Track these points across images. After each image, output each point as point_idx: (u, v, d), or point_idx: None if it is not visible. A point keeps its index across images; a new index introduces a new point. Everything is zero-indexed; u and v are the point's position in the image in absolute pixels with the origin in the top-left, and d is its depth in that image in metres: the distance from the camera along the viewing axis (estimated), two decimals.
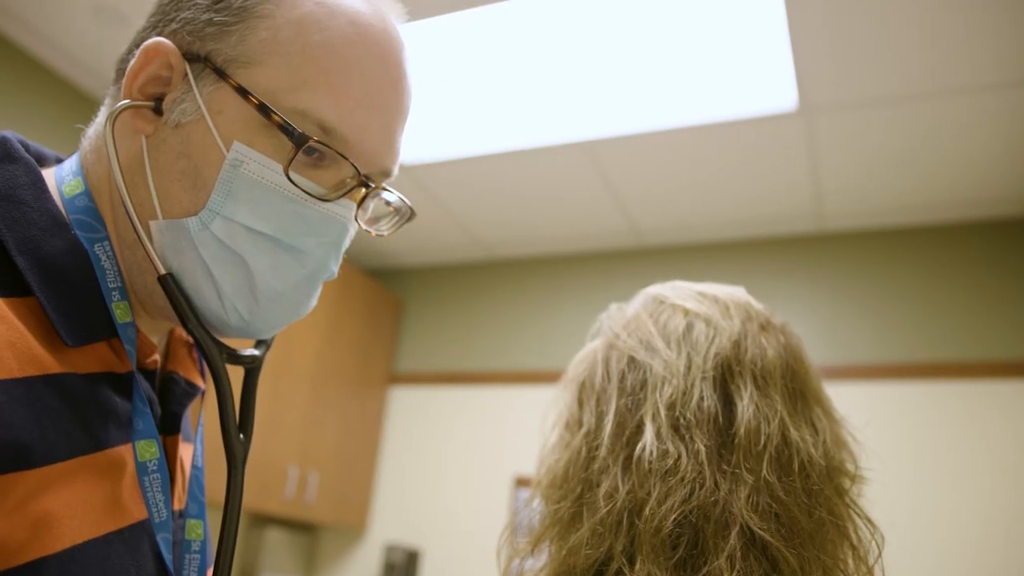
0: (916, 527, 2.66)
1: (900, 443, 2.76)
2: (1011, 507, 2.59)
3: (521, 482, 3.22)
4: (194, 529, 0.67)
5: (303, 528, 3.55)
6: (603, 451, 0.69)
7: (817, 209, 3.03)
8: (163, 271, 0.61)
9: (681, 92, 2.47)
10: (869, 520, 0.69)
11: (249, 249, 0.61)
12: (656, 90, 2.48)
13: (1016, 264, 2.85)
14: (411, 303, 3.85)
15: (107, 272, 0.61)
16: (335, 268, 0.66)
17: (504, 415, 3.37)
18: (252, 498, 2.82)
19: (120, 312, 0.61)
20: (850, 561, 0.67)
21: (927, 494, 2.69)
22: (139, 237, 0.60)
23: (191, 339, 0.74)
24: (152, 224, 0.61)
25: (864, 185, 2.84)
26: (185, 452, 0.71)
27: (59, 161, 0.68)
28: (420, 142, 2.87)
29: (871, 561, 0.68)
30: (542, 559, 0.73)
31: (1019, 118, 2.40)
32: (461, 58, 2.42)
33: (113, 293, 0.61)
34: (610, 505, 0.66)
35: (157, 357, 0.65)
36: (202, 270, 0.61)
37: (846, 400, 0.82)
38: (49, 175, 0.65)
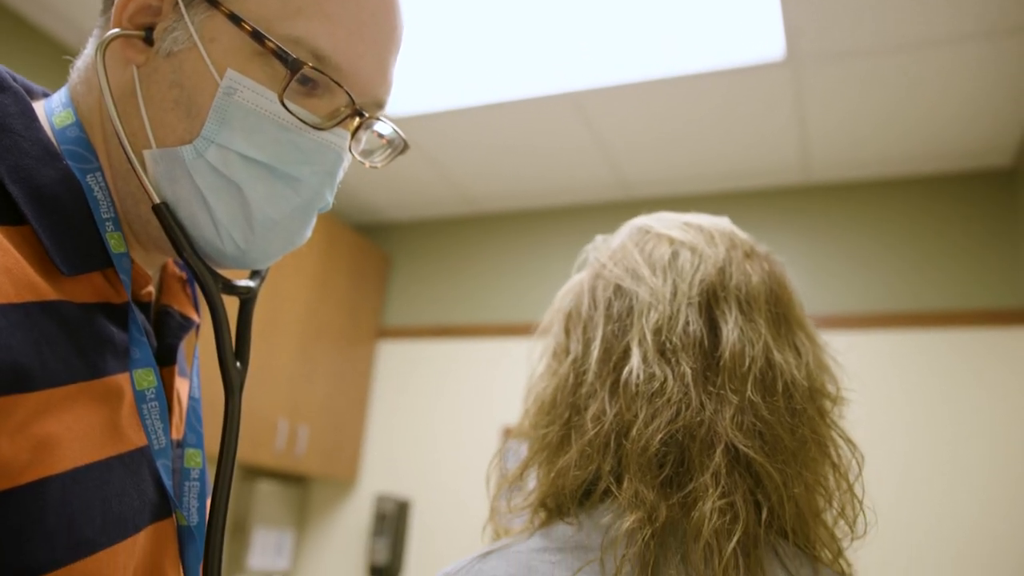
0: (904, 474, 2.71)
1: (888, 391, 2.80)
2: (999, 453, 2.65)
3: (509, 432, 3.26)
4: (192, 458, 0.68)
5: (294, 480, 3.59)
6: (590, 376, 0.70)
7: (804, 161, 3.03)
8: (157, 200, 0.61)
9: (669, 42, 2.46)
10: (849, 440, 0.71)
11: (244, 177, 0.61)
12: (643, 40, 2.46)
13: (1000, 214, 2.88)
14: (398, 258, 3.85)
15: (100, 203, 0.61)
16: (330, 198, 0.67)
17: (492, 367, 3.40)
18: (243, 451, 2.84)
19: (114, 242, 0.61)
20: (831, 478, 0.69)
21: (915, 441, 2.74)
22: (133, 167, 0.60)
23: (184, 274, 0.75)
24: (146, 153, 0.61)
25: (850, 136, 2.84)
26: (181, 386, 0.71)
27: (47, 96, 0.68)
28: (405, 94, 2.85)
29: (851, 478, 0.70)
30: (531, 484, 0.74)
31: (1003, 68, 2.40)
32: (447, 8, 2.39)
33: (107, 223, 0.61)
34: (598, 427, 0.67)
35: (151, 289, 0.66)
36: (197, 199, 0.61)
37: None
38: (39, 107, 0.65)
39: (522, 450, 0.76)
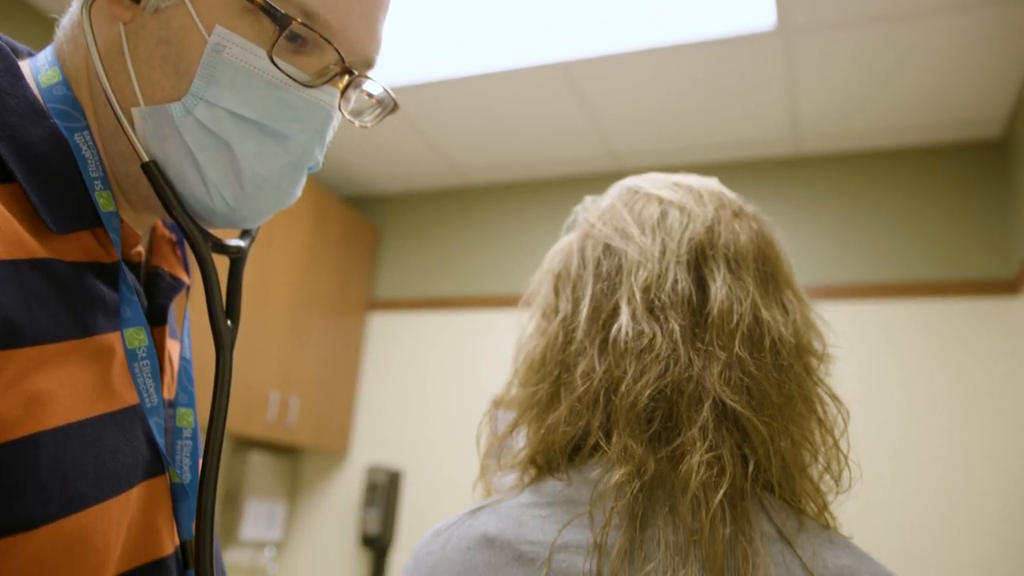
0: (894, 443, 2.75)
1: (877, 360, 2.83)
2: (989, 421, 2.68)
3: (498, 403, 3.28)
4: (185, 417, 0.68)
5: (286, 451, 3.60)
6: (580, 334, 0.71)
7: (794, 131, 3.03)
8: (146, 158, 0.61)
9: (659, 11, 2.44)
10: (835, 396, 0.72)
11: (234, 134, 0.61)
12: (633, 9, 2.44)
13: (989, 184, 2.89)
14: (388, 230, 3.85)
15: (88, 161, 0.61)
16: (320, 156, 0.67)
17: (482, 338, 3.41)
18: (234, 422, 2.85)
19: (103, 201, 0.61)
20: (817, 433, 0.70)
21: (905, 410, 2.77)
22: (121, 125, 0.60)
23: (174, 236, 0.74)
24: (134, 111, 0.61)
25: (841, 107, 2.84)
26: (172, 348, 0.71)
27: (32, 56, 0.67)
28: (394, 64, 2.83)
29: (837, 434, 0.71)
30: (521, 441, 0.75)
31: (993, 39, 2.40)
32: None
33: (95, 182, 0.61)
34: (587, 384, 0.68)
35: (141, 249, 0.66)
36: (186, 157, 0.61)
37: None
38: (24, 66, 0.64)
39: (511, 416, 0.77)
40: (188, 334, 0.74)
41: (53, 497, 0.51)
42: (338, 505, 3.50)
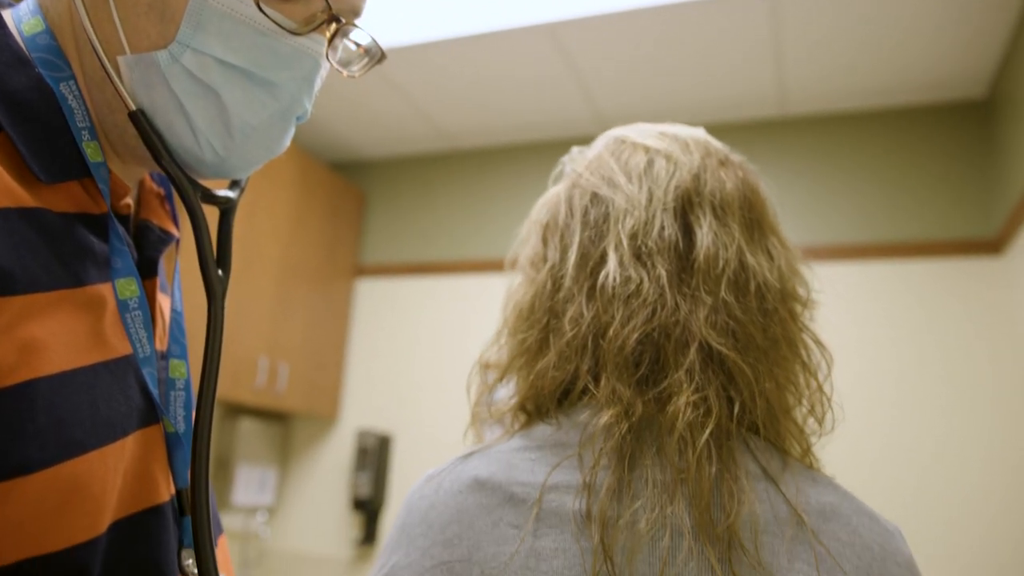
0: (879, 398, 2.78)
1: (863, 320, 2.86)
2: (973, 378, 2.72)
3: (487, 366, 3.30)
4: (177, 368, 0.68)
5: (276, 417, 3.62)
6: (568, 281, 0.72)
7: (780, 93, 3.03)
8: (133, 107, 0.60)
9: None
10: (819, 341, 0.73)
11: (221, 83, 0.60)
12: None
13: (974, 144, 2.91)
14: (374, 196, 3.83)
15: (75, 111, 0.60)
16: (308, 106, 0.66)
17: (470, 303, 3.42)
18: (224, 388, 2.86)
19: (91, 151, 0.60)
20: (801, 377, 0.71)
21: (890, 368, 2.81)
22: (107, 73, 0.59)
23: (162, 190, 0.74)
24: (120, 60, 0.60)
25: (827, 67, 2.84)
26: (163, 302, 0.72)
27: (12, 6, 0.66)
28: (378, 27, 2.79)
29: (821, 378, 0.72)
30: (510, 389, 0.76)
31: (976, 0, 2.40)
32: None
33: (83, 132, 0.60)
34: (575, 329, 0.69)
35: (130, 201, 0.65)
36: (174, 105, 0.60)
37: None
38: (6, 15, 0.63)
39: (502, 354, 0.78)
40: (179, 288, 0.75)
41: (50, 443, 0.51)
42: (329, 469, 3.53)
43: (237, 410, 3.39)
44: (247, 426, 3.39)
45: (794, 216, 3.03)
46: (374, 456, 3.31)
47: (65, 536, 0.52)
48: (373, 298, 3.67)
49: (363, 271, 3.72)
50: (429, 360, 3.45)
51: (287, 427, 3.66)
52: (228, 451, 3.32)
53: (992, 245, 2.78)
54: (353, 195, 3.72)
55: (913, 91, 2.95)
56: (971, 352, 2.73)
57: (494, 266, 3.40)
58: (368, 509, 3.30)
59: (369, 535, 3.32)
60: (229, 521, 3.31)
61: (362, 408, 3.55)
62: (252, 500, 3.39)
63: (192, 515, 0.61)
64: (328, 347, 3.51)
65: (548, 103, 3.24)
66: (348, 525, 3.43)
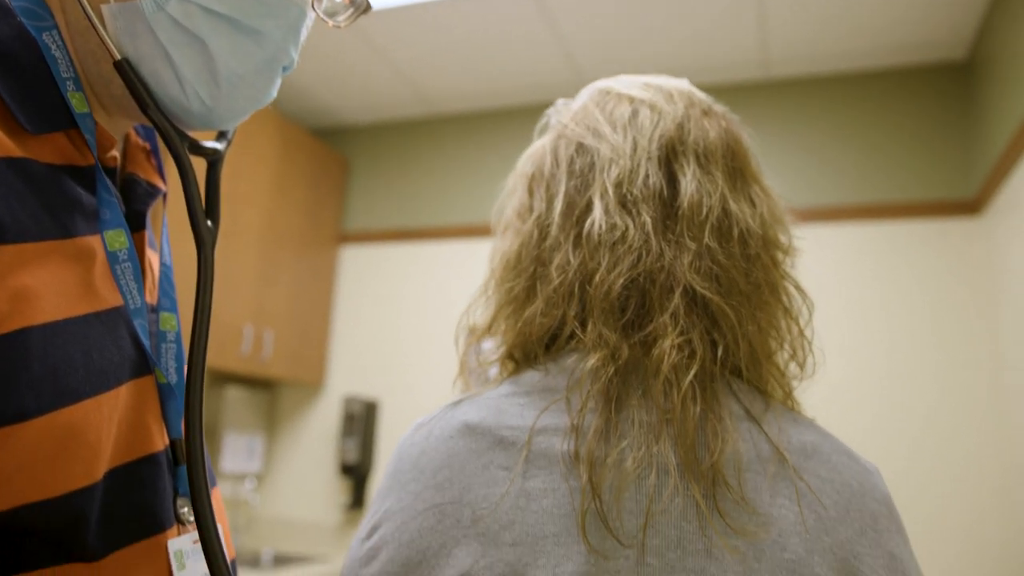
0: (857, 360, 2.82)
1: (842, 282, 2.89)
2: (951, 338, 2.77)
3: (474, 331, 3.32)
4: (168, 321, 0.68)
5: (262, 385, 3.62)
6: (554, 230, 0.72)
7: (763, 55, 3.03)
8: (118, 56, 0.60)
9: None
10: (800, 287, 0.75)
11: (207, 31, 0.60)
12: None
13: (954, 106, 2.93)
14: (357, 162, 3.81)
15: (59, 61, 0.60)
16: (295, 55, 0.66)
17: (455, 268, 3.42)
18: (210, 356, 2.86)
19: (76, 102, 0.60)
20: (783, 323, 0.73)
21: (869, 330, 2.84)
22: (91, 22, 0.59)
23: (148, 145, 0.74)
24: (104, 8, 0.59)
25: (809, 29, 2.84)
26: (152, 258, 0.72)
27: None
28: None
29: (802, 323, 0.74)
30: (497, 340, 0.77)
31: None
32: None
33: (67, 83, 0.60)
34: (562, 276, 0.70)
35: (116, 154, 0.65)
36: (160, 54, 0.60)
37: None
38: None
39: (490, 303, 0.79)
40: (167, 241, 0.74)
41: (45, 390, 0.51)
42: (316, 436, 3.55)
43: (223, 378, 3.40)
44: (233, 394, 3.40)
45: (775, 179, 3.03)
46: (361, 422, 3.33)
47: (62, 483, 0.52)
48: (357, 265, 3.67)
49: (347, 238, 3.71)
50: (414, 326, 3.46)
51: (273, 394, 3.67)
52: (215, 419, 3.33)
53: (971, 206, 2.82)
54: (336, 161, 3.69)
55: (894, 53, 2.96)
56: (950, 312, 2.77)
57: (479, 231, 3.40)
58: (356, 474, 3.33)
59: (357, 500, 3.35)
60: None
61: (348, 374, 3.56)
62: (240, 467, 3.41)
63: (187, 462, 0.62)
64: (313, 314, 3.51)
65: (531, 67, 3.22)
66: (336, 490, 3.45)
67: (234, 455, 3.37)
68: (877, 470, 0.71)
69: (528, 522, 0.62)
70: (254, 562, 3.13)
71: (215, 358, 2.92)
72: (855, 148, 3.01)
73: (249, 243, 3.14)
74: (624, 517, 0.61)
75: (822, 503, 0.63)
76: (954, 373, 2.72)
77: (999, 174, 2.52)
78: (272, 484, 3.58)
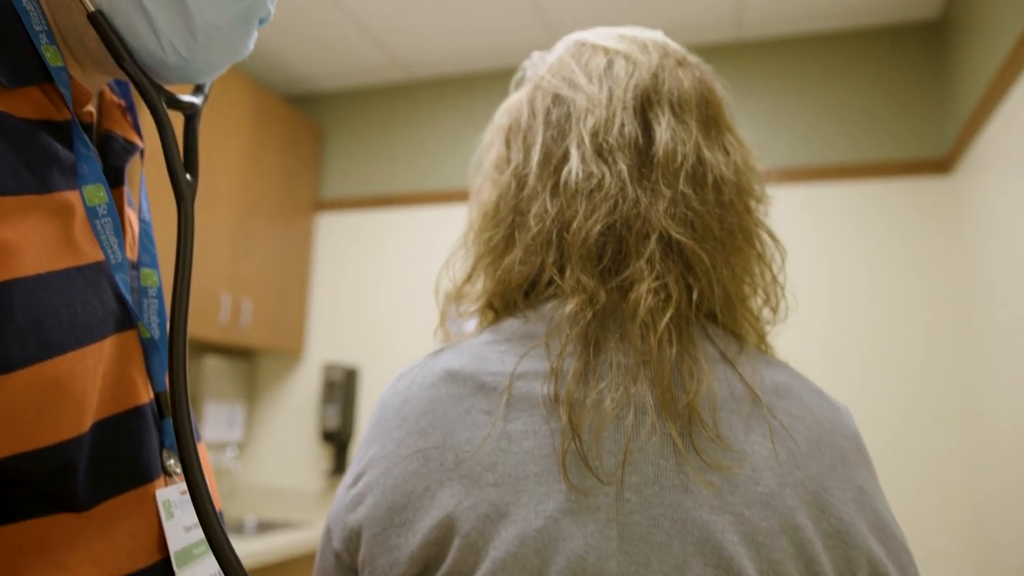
0: (831, 319, 2.87)
1: (814, 242, 2.93)
2: (922, 296, 2.81)
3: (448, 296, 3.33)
4: (149, 277, 0.68)
5: (241, 354, 3.62)
6: (531, 179, 0.73)
7: (738, 14, 3.02)
8: (92, 8, 0.59)
9: None
10: (773, 235, 0.76)
11: None
12: None
13: (926, 64, 2.95)
14: (332, 129, 3.78)
15: (31, 14, 0.59)
16: (271, 7, 0.66)
17: (433, 235, 3.42)
18: (187, 325, 2.84)
19: (51, 55, 0.59)
20: (756, 269, 0.75)
21: (842, 289, 2.88)
22: None
23: (123, 102, 0.73)
24: None
25: None
26: (131, 215, 0.71)
27: None
28: None
29: (775, 269, 0.76)
30: (478, 287, 0.78)
31: None
32: None
33: (41, 36, 0.59)
34: (540, 224, 0.71)
35: (92, 109, 0.65)
36: (134, 6, 0.59)
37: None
38: None
39: (469, 255, 0.80)
40: (145, 198, 0.74)
41: (30, 341, 0.51)
42: (297, 404, 3.56)
43: (202, 348, 3.39)
44: (212, 364, 3.39)
45: (748, 139, 3.06)
46: (341, 389, 3.34)
47: (50, 433, 0.52)
48: (334, 232, 3.65)
49: (323, 205, 3.69)
50: (393, 292, 3.46)
51: (253, 363, 3.67)
52: (195, 389, 3.32)
53: (942, 164, 2.85)
54: (310, 128, 3.66)
55: (867, 13, 2.97)
56: (923, 270, 2.81)
57: (457, 196, 3.40)
58: (337, 441, 3.34)
59: (339, 466, 3.37)
60: None
61: (327, 342, 3.56)
62: (221, 436, 3.41)
63: (172, 408, 0.62)
64: (291, 282, 3.50)
65: (506, 29, 3.20)
66: (318, 457, 3.47)
67: (215, 424, 3.38)
68: (847, 409, 0.73)
69: (510, 463, 0.63)
70: (238, 529, 3.15)
71: (193, 327, 2.92)
72: (827, 108, 3.03)
73: (225, 212, 3.12)
74: (603, 456, 0.63)
75: (794, 439, 0.65)
76: (927, 328, 2.78)
77: (970, 132, 2.55)
78: (254, 452, 3.59)
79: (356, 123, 3.73)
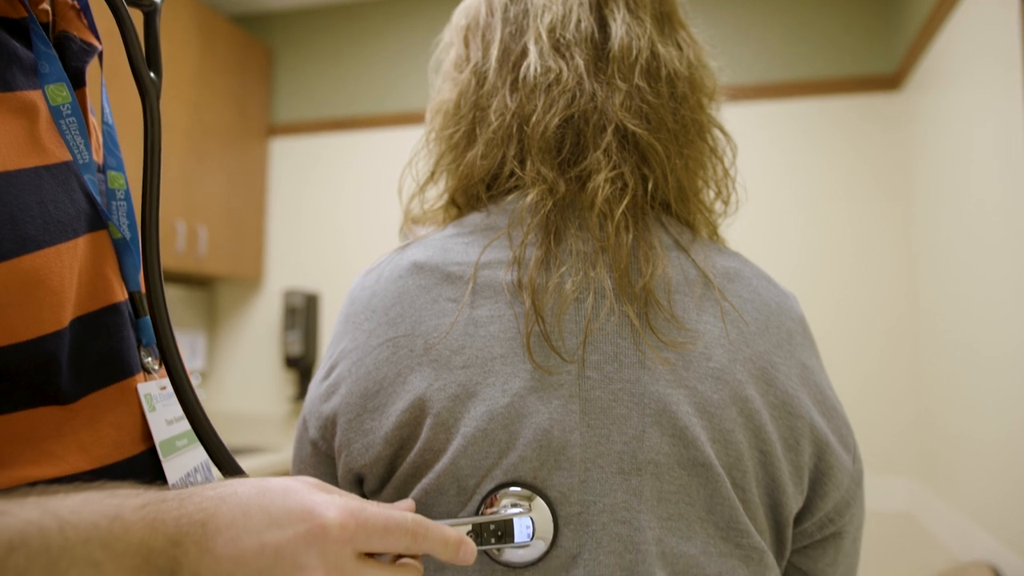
0: (782, 237, 2.94)
1: (765, 160, 2.97)
2: (871, 213, 2.89)
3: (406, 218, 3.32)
4: (116, 180, 0.69)
5: (199, 283, 3.59)
6: (491, 76, 0.75)
7: None
8: None
9: None
10: (724, 129, 0.79)
11: None
12: None
13: None
14: (282, 50, 3.68)
15: None
16: None
17: (391, 158, 3.39)
18: None
19: None
20: (708, 163, 0.78)
21: (791, 207, 2.95)
22: None
23: (77, 3, 0.72)
24: None
25: None
26: (94, 119, 0.71)
27: None
28: None
29: (726, 163, 0.79)
30: (440, 185, 0.80)
31: None
32: None
33: None
34: (500, 119, 0.73)
35: (47, 7, 0.64)
36: None
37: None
38: None
39: (431, 159, 0.81)
40: (107, 101, 0.74)
41: (6, 236, 0.52)
42: (258, 331, 3.56)
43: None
44: (171, 294, 3.37)
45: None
46: (303, 315, 3.35)
47: (33, 327, 0.53)
48: (289, 157, 3.60)
49: (276, 130, 3.63)
50: (352, 216, 3.45)
51: (212, 292, 3.65)
52: None
53: (891, 81, 2.90)
54: (259, 50, 3.57)
55: None
56: (870, 188, 2.89)
57: (414, 118, 3.36)
58: (301, 366, 3.37)
59: (304, 392, 3.41)
60: None
61: (287, 268, 3.55)
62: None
63: (151, 314, 0.64)
64: (247, 209, 3.46)
65: None
66: (282, 383, 3.50)
67: None
68: (794, 295, 0.78)
69: (477, 346, 0.67)
70: None
71: None
72: (777, 25, 3.04)
73: (176, 137, 3.05)
74: (565, 336, 0.67)
75: (743, 319, 0.70)
76: (876, 249, 2.86)
77: (918, 48, 2.59)
78: (217, 380, 3.60)
79: (307, 44, 3.64)
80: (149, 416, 0.65)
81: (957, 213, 2.26)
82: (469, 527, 0.63)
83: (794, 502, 0.70)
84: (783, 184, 2.95)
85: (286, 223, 3.57)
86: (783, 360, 0.70)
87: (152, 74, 0.67)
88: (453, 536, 0.55)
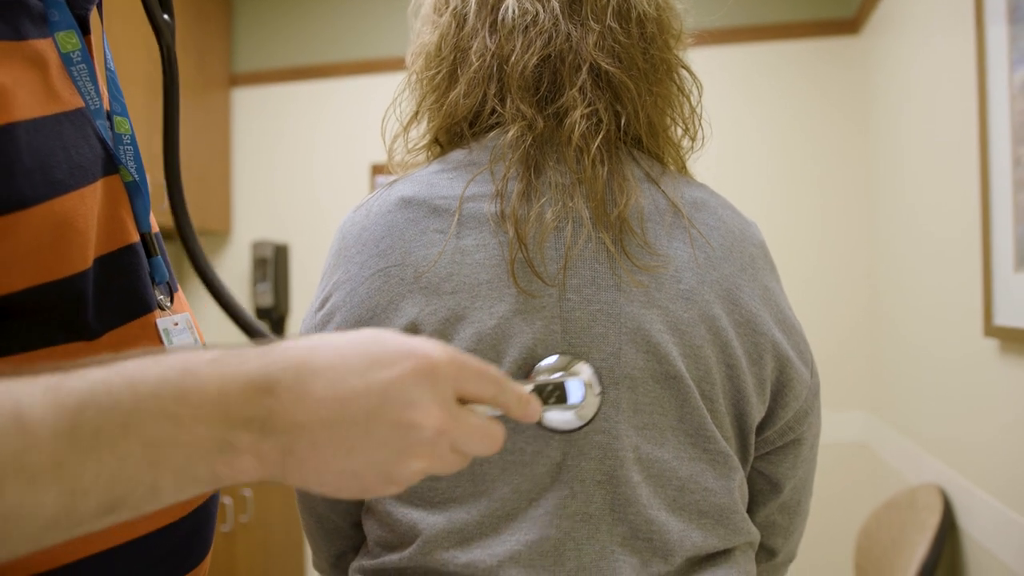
0: (746, 180, 3.01)
1: (726, 104, 3.02)
2: (832, 155, 2.96)
3: (378, 169, 3.33)
4: (122, 125, 0.71)
5: (167, 237, 3.56)
6: (471, 18, 0.79)
7: None
8: None
9: None
10: (690, 70, 0.84)
11: None
12: None
13: None
14: None
15: None
16: None
17: (357, 106, 3.38)
18: None
19: None
20: (676, 102, 0.83)
21: (753, 150, 3.01)
22: None
23: None
24: None
25: None
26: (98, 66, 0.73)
27: None
28: None
29: (693, 101, 0.84)
30: (423, 125, 0.84)
31: None
32: None
33: None
34: (481, 60, 0.77)
35: None
36: None
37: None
38: None
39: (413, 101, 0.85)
40: (108, 48, 0.76)
41: (39, 180, 0.54)
42: (228, 283, 3.54)
43: None
44: None
45: None
46: (272, 266, 3.36)
47: (65, 266, 0.57)
48: (252, 107, 3.56)
49: (238, 80, 3.58)
50: (319, 166, 3.44)
51: (179, 246, 3.63)
52: None
53: (850, 24, 2.95)
54: None
55: None
56: (831, 126, 2.96)
57: (381, 66, 3.33)
58: (272, 317, 3.39)
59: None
60: None
61: (254, 220, 3.54)
62: None
63: (178, 227, 0.68)
64: (211, 161, 3.43)
65: None
66: None
67: None
68: (756, 224, 0.84)
69: (464, 273, 0.72)
70: None
71: None
72: None
73: (134, 88, 3.01)
74: (547, 262, 0.72)
75: (710, 245, 0.75)
76: (835, 192, 2.94)
77: None
78: None
79: None
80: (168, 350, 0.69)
81: (912, 149, 2.34)
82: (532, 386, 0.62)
83: (757, 412, 0.76)
84: (747, 122, 3.01)
85: (252, 174, 3.55)
86: (747, 282, 0.76)
87: (166, 15, 0.69)
88: (525, 393, 0.52)
